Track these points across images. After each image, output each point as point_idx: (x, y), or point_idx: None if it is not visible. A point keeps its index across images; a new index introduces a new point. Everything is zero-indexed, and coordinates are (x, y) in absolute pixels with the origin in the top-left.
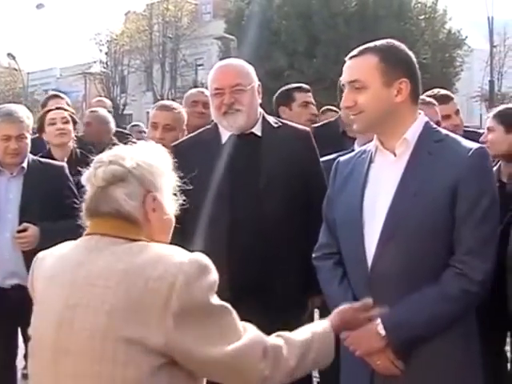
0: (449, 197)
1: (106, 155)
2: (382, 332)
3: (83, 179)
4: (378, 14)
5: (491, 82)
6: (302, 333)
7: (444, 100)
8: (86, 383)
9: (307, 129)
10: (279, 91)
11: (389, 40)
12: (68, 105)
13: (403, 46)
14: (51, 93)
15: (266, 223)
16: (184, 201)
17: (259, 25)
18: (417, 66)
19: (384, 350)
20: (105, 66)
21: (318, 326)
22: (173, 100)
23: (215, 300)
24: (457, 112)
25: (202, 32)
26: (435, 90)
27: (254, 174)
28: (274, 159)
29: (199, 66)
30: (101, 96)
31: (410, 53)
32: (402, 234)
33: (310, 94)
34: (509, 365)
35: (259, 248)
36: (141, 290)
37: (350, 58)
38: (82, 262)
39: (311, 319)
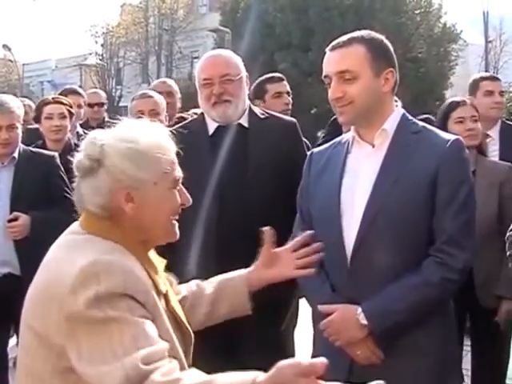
0: (428, 185)
1: (88, 137)
2: (364, 321)
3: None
4: (373, 7)
5: None
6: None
7: (492, 78)
8: (19, 368)
9: (293, 120)
10: (254, 84)
11: (367, 31)
12: (84, 103)
13: (382, 36)
14: (72, 88)
15: (254, 213)
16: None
17: (254, 17)
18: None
19: (365, 340)
20: (100, 57)
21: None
22: None
23: (100, 312)
24: (501, 92)
25: (198, 24)
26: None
27: (241, 164)
28: (261, 150)
29: (195, 58)
30: (96, 88)
31: (388, 42)
32: (383, 221)
33: (283, 82)
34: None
35: (247, 237)
36: (47, 286)
37: (334, 48)
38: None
39: (296, 308)
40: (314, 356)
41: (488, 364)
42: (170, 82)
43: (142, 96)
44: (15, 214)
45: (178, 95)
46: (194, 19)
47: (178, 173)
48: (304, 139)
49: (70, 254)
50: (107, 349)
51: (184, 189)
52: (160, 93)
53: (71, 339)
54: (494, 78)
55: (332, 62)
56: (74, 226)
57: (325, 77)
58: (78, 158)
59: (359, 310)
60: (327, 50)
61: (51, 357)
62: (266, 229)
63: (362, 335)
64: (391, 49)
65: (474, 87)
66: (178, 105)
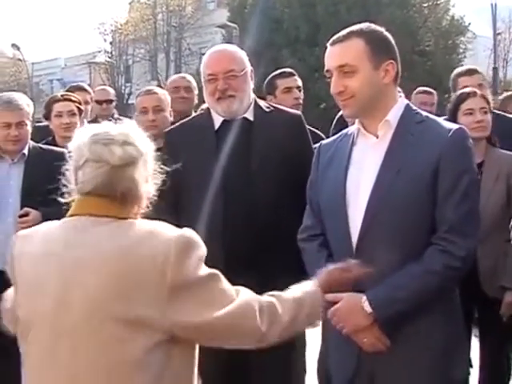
0: (431, 174)
1: (115, 132)
2: (368, 309)
3: (77, 150)
4: (380, 1)
5: (495, 69)
6: (293, 291)
7: (470, 73)
8: (83, 364)
9: (299, 113)
10: (266, 80)
11: (367, 23)
12: (91, 99)
13: (382, 28)
14: (79, 84)
15: (259, 206)
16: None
17: (262, 13)
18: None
19: (370, 327)
20: (109, 55)
21: (307, 286)
22: None
23: (204, 270)
24: (480, 86)
25: (206, 21)
26: (464, 67)
27: (246, 157)
28: (265, 143)
29: (203, 54)
30: (105, 85)
31: (389, 34)
32: (387, 210)
33: (293, 77)
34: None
35: (252, 230)
36: (133, 267)
37: (334, 43)
38: (71, 243)
39: None
40: (324, 343)
41: (495, 354)
42: (190, 77)
43: (146, 92)
44: (26, 209)
45: (196, 91)
46: (202, 15)
47: None
48: (317, 131)
49: (137, 238)
50: (225, 295)
51: None
52: (178, 87)
53: (184, 303)
54: (472, 72)
55: (332, 56)
56: (88, 219)
57: (326, 71)
58: (129, 148)
59: (364, 298)
60: (328, 44)
61: (144, 336)
62: None
63: (367, 323)
64: (392, 40)
65: (454, 84)
66: (195, 101)
